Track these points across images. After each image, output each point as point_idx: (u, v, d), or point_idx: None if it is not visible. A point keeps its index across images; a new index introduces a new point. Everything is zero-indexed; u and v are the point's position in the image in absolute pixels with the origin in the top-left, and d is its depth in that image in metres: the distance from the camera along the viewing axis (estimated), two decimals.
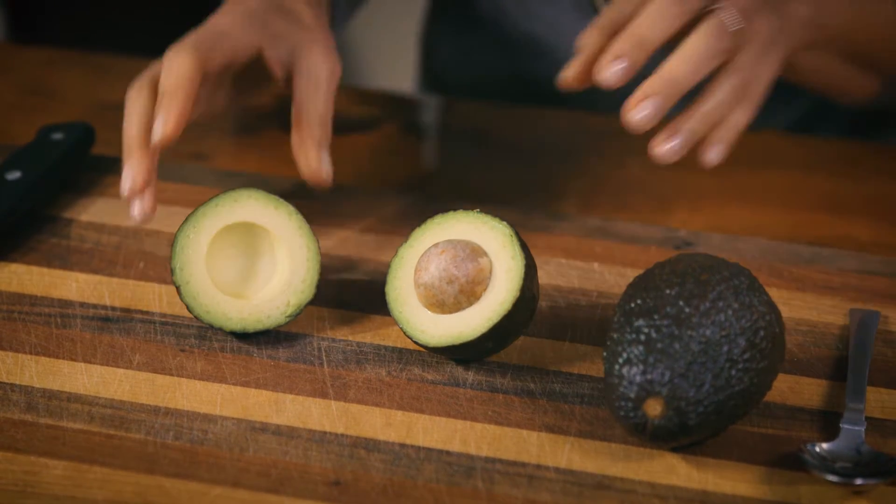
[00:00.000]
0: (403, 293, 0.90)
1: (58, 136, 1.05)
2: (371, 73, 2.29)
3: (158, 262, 0.97)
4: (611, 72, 0.94)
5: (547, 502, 0.81)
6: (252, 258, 0.93)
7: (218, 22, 1.00)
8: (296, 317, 0.92)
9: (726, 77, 0.96)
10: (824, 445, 0.84)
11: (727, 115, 0.97)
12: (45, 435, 0.84)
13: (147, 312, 0.93)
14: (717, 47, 0.95)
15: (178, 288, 0.90)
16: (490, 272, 0.88)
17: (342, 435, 0.85)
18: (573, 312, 0.95)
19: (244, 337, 0.92)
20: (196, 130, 1.14)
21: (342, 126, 1.13)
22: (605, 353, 0.84)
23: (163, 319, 0.93)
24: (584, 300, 0.96)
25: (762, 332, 0.82)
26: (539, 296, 0.91)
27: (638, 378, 0.81)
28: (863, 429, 0.85)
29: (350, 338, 0.92)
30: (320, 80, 0.99)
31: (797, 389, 0.89)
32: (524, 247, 0.89)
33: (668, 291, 0.83)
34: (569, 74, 0.98)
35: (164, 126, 0.93)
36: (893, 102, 1.17)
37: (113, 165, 1.07)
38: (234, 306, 0.91)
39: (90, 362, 0.89)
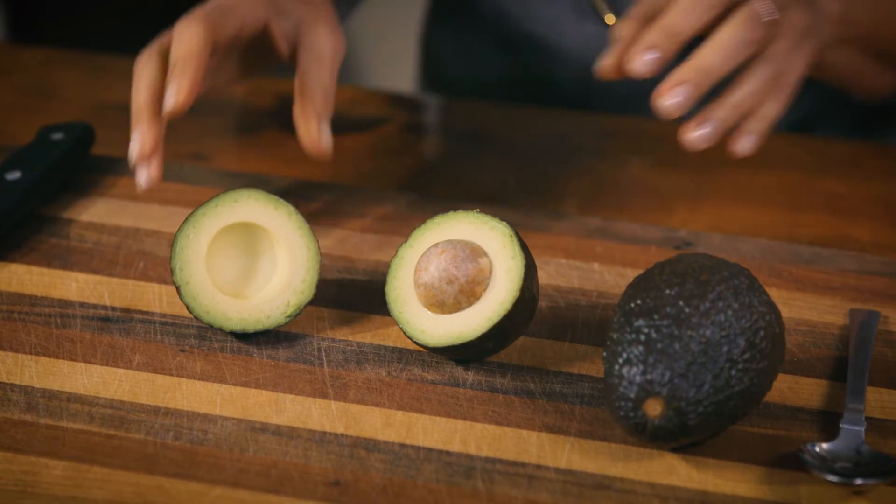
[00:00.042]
0: (403, 293, 0.90)
1: (58, 136, 1.05)
2: (371, 73, 2.29)
3: (158, 262, 0.97)
4: (642, 62, 0.95)
5: (547, 502, 0.81)
6: (252, 258, 0.93)
7: None
8: (296, 317, 0.92)
9: (759, 67, 0.97)
10: (824, 445, 0.84)
11: (759, 105, 0.98)
12: (45, 435, 0.84)
13: (147, 312, 0.93)
14: (750, 37, 0.95)
15: (178, 288, 0.90)
16: (490, 272, 0.88)
17: (342, 435, 0.85)
18: (573, 312, 0.95)
19: (244, 337, 0.92)
20: (196, 130, 1.14)
21: (342, 126, 1.13)
22: (605, 354, 0.84)
23: (163, 319, 0.93)
24: (584, 300, 0.96)
25: (762, 333, 0.82)
26: (539, 296, 0.91)
27: (638, 378, 0.81)
28: (863, 429, 0.85)
29: (350, 338, 0.92)
30: (324, 55, 1.00)
31: (797, 389, 0.89)
32: (524, 247, 0.89)
33: (667, 291, 0.83)
34: (606, 65, 0.99)
35: (177, 95, 0.93)
36: None
37: (113, 165, 1.07)
38: (234, 306, 0.91)
39: (90, 362, 0.89)
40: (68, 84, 1.21)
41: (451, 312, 0.88)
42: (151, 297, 0.94)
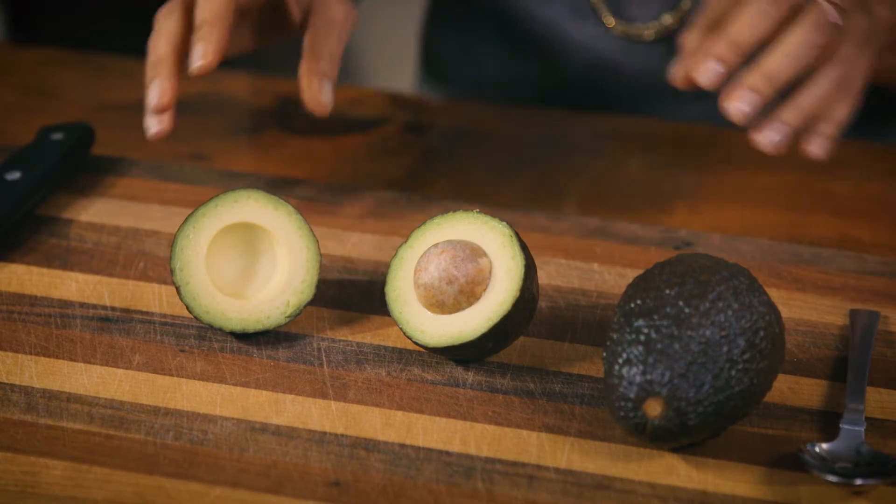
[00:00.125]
0: (403, 293, 0.90)
1: (58, 136, 1.05)
2: (371, 73, 2.29)
3: (158, 263, 0.97)
4: (707, 75, 0.95)
5: (547, 502, 0.81)
6: (252, 258, 0.93)
7: None
8: (295, 317, 0.92)
9: (826, 70, 0.97)
10: (824, 446, 0.84)
11: (827, 108, 0.98)
12: (44, 435, 0.84)
13: (147, 313, 0.93)
14: (817, 42, 0.96)
15: (177, 288, 0.90)
16: (490, 272, 0.88)
17: (342, 435, 0.85)
18: (573, 313, 0.95)
19: (244, 337, 0.92)
20: (196, 130, 1.14)
21: (342, 126, 1.13)
22: (604, 354, 0.84)
23: (162, 320, 0.93)
24: (584, 300, 0.96)
25: (762, 333, 0.82)
26: (539, 296, 0.91)
27: (638, 378, 0.81)
28: (863, 429, 0.85)
29: (350, 338, 0.92)
30: (335, 21, 1.01)
31: (797, 389, 0.89)
32: (524, 247, 0.89)
33: (667, 292, 0.83)
34: (677, 75, 1.00)
35: (205, 56, 0.94)
36: None
37: (113, 165, 1.07)
38: (234, 306, 0.91)
39: (90, 362, 0.89)
40: (68, 84, 1.21)
41: (450, 313, 0.88)
42: (151, 298, 0.94)
